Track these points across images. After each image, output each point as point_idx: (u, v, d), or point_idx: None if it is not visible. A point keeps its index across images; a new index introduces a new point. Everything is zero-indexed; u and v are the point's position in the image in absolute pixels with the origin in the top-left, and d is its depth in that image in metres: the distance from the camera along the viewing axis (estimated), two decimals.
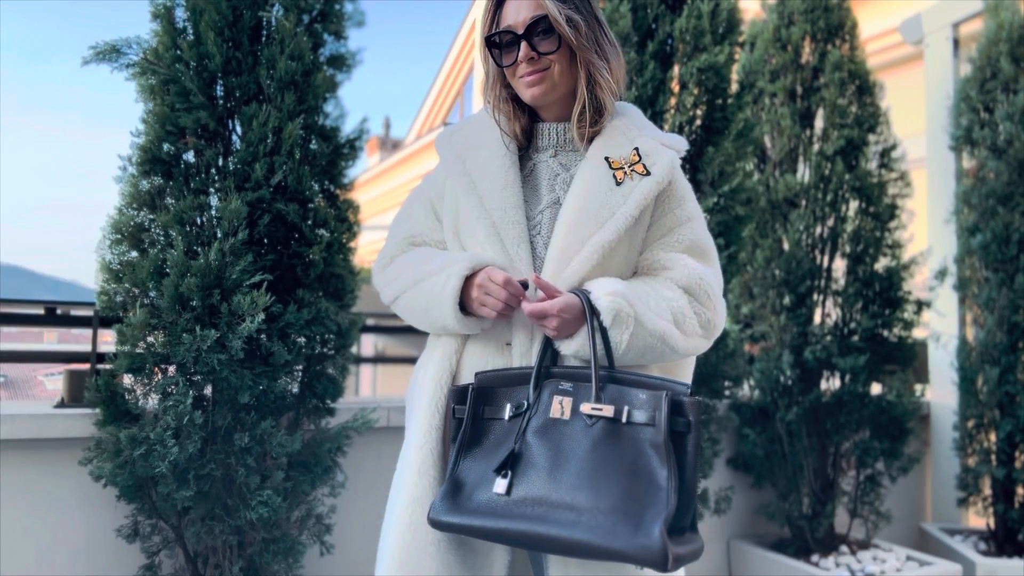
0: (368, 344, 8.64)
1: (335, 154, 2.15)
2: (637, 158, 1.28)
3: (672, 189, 1.31)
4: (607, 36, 1.30)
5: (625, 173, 1.27)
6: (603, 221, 1.24)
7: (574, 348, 1.21)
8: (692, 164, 2.58)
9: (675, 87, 2.58)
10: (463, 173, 1.32)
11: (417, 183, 1.49)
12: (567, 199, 1.27)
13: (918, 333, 3.39)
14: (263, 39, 2.04)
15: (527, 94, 1.28)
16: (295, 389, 2.06)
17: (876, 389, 3.23)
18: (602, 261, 1.24)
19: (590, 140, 1.31)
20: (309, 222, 2.03)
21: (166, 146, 1.93)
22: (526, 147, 1.36)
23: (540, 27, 1.23)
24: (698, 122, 2.59)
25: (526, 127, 1.35)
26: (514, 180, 1.30)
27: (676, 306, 1.25)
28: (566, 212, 1.26)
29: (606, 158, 1.28)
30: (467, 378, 1.29)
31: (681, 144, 1.35)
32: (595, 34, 1.27)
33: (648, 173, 1.27)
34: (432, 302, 1.27)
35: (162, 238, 1.91)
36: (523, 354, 1.26)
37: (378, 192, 12.58)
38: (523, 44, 1.24)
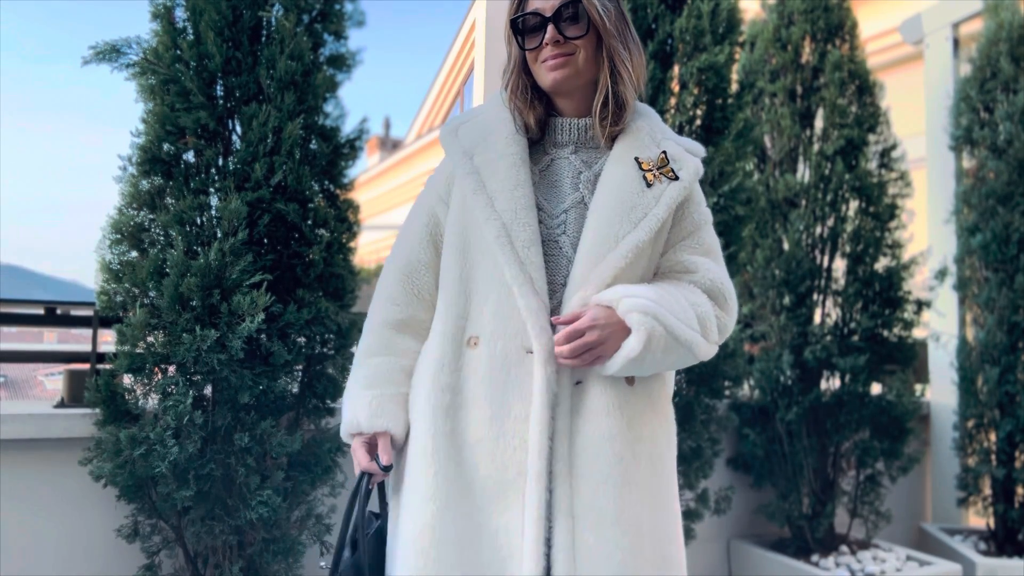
0: None
1: (335, 154, 2.14)
2: (665, 161, 1.29)
3: (693, 194, 1.34)
4: (632, 33, 1.30)
5: (655, 176, 1.27)
6: (636, 221, 1.24)
7: (619, 365, 1.19)
8: None
9: (675, 87, 2.58)
10: (471, 171, 1.29)
11: (417, 183, 1.47)
12: (597, 197, 1.26)
13: (918, 333, 3.38)
14: (263, 39, 2.04)
15: (548, 78, 1.26)
16: (295, 389, 2.06)
17: (876, 389, 3.23)
18: (633, 261, 1.24)
19: (612, 138, 1.31)
20: (309, 222, 2.03)
21: (166, 146, 1.93)
22: (540, 140, 1.34)
23: (569, 11, 1.23)
24: (698, 122, 2.59)
25: (541, 118, 1.32)
26: (525, 179, 1.27)
27: (702, 311, 1.26)
28: (597, 210, 1.25)
29: (635, 158, 1.28)
30: (473, 389, 1.25)
31: (700, 151, 1.36)
32: (621, 26, 1.28)
33: (677, 178, 1.28)
34: (347, 401, 1.33)
35: (162, 238, 1.91)
36: (545, 360, 1.21)
37: (378, 192, 12.56)
38: (550, 27, 1.23)
